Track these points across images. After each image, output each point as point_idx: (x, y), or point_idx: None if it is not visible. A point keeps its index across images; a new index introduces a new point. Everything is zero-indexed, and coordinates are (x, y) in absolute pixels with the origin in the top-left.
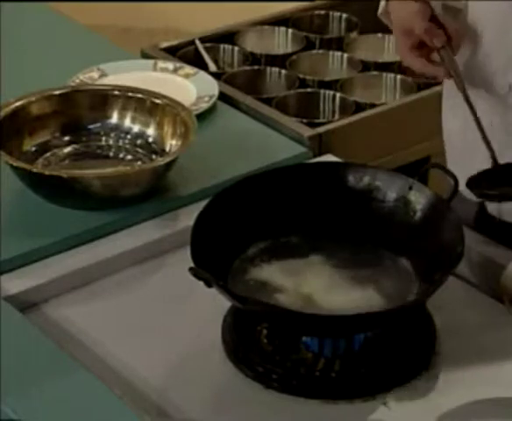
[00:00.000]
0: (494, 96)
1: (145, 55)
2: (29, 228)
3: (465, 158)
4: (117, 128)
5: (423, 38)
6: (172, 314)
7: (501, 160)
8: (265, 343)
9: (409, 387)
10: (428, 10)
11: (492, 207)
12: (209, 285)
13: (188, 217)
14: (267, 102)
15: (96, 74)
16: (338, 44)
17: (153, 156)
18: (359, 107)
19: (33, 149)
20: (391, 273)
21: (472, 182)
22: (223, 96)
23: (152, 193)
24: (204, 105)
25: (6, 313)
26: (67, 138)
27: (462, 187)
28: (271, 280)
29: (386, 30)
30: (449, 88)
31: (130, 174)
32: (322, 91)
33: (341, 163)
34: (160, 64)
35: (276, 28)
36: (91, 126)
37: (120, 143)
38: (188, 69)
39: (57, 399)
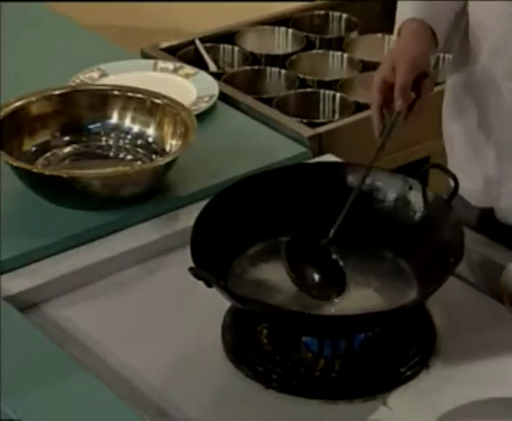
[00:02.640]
0: (501, 99)
1: (145, 55)
2: (29, 228)
3: (465, 161)
4: (117, 128)
5: (395, 90)
6: (172, 314)
7: (507, 165)
8: (265, 343)
9: (409, 387)
10: (421, 68)
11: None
12: (209, 285)
13: (188, 217)
14: (267, 102)
15: (96, 74)
16: (338, 44)
17: (153, 156)
18: (359, 107)
19: (33, 149)
20: (391, 273)
21: None
22: (223, 96)
23: (152, 193)
24: (204, 105)
25: (6, 313)
26: (67, 138)
27: (462, 190)
28: (271, 280)
29: (386, 30)
30: (450, 92)
31: (130, 174)
32: (322, 91)
33: (341, 163)
34: (160, 64)
35: (276, 28)
36: (91, 126)
37: (120, 143)
38: (188, 69)
39: (57, 399)
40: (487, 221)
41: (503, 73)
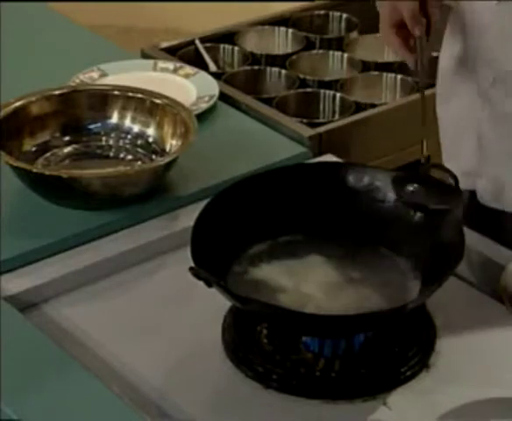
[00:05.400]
0: (481, 88)
1: (145, 55)
2: (29, 228)
3: (454, 147)
4: (117, 128)
5: (406, 21)
6: (172, 314)
7: (490, 153)
8: (265, 343)
9: (409, 387)
10: None
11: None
12: (209, 285)
13: (188, 217)
14: (267, 102)
15: (95, 75)
16: (338, 44)
17: (153, 156)
18: (359, 107)
19: (33, 149)
20: (391, 273)
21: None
22: (223, 96)
23: (152, 193)
24: (204, 105)
25: (6, 313)
26: (67, 138)
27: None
28: (271, 280)
29: None
30: (440, 76)
31: (130, 174)
32: (322, 91)
33: (341, 163)
34: (160, 64)
35: (276, 28)
36: (91, 126)
37: (120, 143)
38: (188, 69)
39: (57, 399)
40: (474, 205)
41: (483, 61)
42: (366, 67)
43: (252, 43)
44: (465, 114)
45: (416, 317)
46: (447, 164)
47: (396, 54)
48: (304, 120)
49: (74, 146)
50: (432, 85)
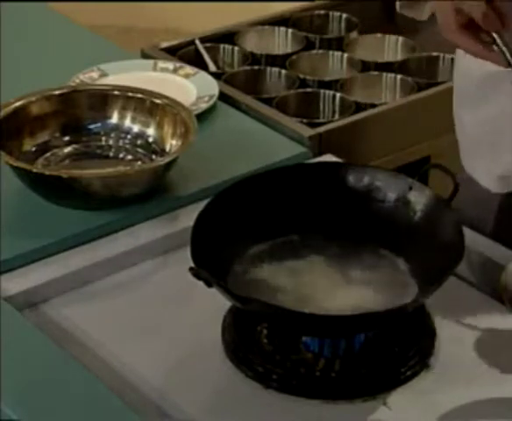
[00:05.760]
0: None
1: (145, 55)
2: (29, 228)
3: (483, 151)
4: (117, 128)
5: (479, 22)
6: (172, 314)
7: None
8: (265, 343)
9: (409, 387)
10: None
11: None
12: (209, 285)
13: (188, 217)
14: (267, 102)
15: (95, 74)
16: (338, 44)
17: (153, 156)
18: (359, 107)
19: (33, 149)
20: (391, 273)
21: None
22: (223, 96)
23: (152, 193)
24: (204, 105)
25: (6, 313)
26: (67, 138)
27: (483, 181)
28: (271, 280)
29: (386, 30)
30: (463, 77)
31: (130, 174)
32: (322, 91)
33: (341, 163)
34: (160, 64)
35: (276, 28)
36: (91, 126)
37: (120, 143)
38: (188, 69)
39: (57, 399)
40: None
41: None
42: (366, 67)
43: (252, 43)
44: (502, 117)
45: (416, 317)
46: (474, 168)
47: (474, 55)
48: (304, 120)
49: (74, 146)
50: (431, 85)
